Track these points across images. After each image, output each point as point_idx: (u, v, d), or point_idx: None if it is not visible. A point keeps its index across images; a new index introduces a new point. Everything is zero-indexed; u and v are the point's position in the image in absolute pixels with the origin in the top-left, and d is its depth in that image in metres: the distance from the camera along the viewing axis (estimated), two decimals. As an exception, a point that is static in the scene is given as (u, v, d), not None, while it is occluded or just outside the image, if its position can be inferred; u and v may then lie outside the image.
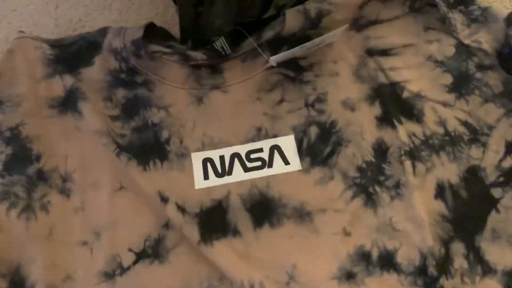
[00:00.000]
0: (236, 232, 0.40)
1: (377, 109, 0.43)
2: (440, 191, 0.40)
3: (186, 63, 0.45)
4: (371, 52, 0.45)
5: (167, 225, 0.41)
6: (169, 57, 0.45)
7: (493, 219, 0.39)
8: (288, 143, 0.43)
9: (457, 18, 0.45)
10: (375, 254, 0.39)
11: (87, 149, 0.43)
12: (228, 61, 0.45)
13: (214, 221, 0.41)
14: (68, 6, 0.53)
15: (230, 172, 0.42)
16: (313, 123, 0.44)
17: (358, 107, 0.44)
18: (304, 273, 0.39)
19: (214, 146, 0.43)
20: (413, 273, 0.38)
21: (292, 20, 0.44)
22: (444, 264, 0.38)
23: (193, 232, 0.39)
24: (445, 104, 0.43)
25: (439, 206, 0.40)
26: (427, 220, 0.39)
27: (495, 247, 0.39)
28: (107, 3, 0.53)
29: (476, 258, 0.38)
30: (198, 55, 0.44)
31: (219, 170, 0.43)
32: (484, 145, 0.41)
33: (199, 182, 0.42)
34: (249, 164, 0.43)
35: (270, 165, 0.42)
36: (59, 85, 0.45)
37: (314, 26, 0.44)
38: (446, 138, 0.42)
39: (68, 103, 0.44)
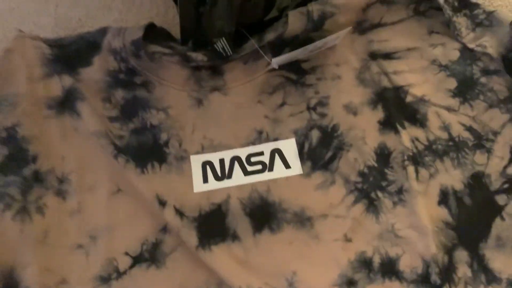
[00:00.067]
0: (235, 237, 0.40)
1: (380, 113, 0.43)
2: (444, 198, 0.40)
3: (187, 64, 0.44)
4: (374, 56, 0.45)
5: (164, 229, 0.40)
6: (169, 58, 0.44)
7: (497, 226, 0.39)
8: (289, 146, 0.43)
9: (461, 22, 0.44)
10: (376, 261, 0.39)
11: (84, 150, 0.43)
12: (229, 63, 0.45)
13: (213, 225, 0.40)
14: (68, 5, 0.53)
15: (230, 176, 0.42)
16: (314, 126, 0.43)
17: (360, 111, 0.43)
18: (304, 280, 0.38)
19: (214, 149, 0.43)
20: (416, 281, 0.38)
21: (295, 22, 0.43)
22: (448, 272, 0.38)
23: (191, 237, 0.39)
24: (449, 109, 0.43)
25: (443, 213, 0.40)
26: (430, 227, 0.39)
27: (499, 255, 0.38)
28: (107, 2, 0.52)
29: (480, 266, 0.38)
30: (199, 56, 0.44)
31: (219, 173, 0.42)
32: (489, 151, 0.41)
33: (198, 186, 0.42)
34: (249, 168, 0.42)
35: (271, 169, 0.42)
36: (58, 85, 0.44)
37: (317, 28, 0.44)
38: (450, 143, 0.42)
39: (66, 104, 0.44)
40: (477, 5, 0.45)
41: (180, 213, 0.40)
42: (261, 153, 0.43)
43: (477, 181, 0.40)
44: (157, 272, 0.39)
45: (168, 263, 0.39)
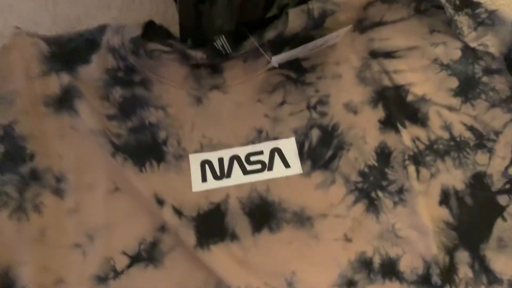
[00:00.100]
0: (234, 237, 0.40)
1: (380, 113, 0.43)
2: (445, 198, 0.40)
3: (186, 62, 0.44)
4: (375, 54, 0.45)
5: (163, 229, 0.40)
6: (168, 56, 0.44)
7: (499, 227, 0.39)
8: (289, 146, 0.42)
9: (463, 21, 0.44)
10: (377, 261, 0.39)
11: (82, 148, 0.42)
12: (228, 61, 0.44)
13: (211, 225, 0.40)
14: (66, 3, 0.52)
15: (229, 175, 0.42)
16: (315, 125, 0.43)
17: (361, 110, 0.43)
18: (303, 280, 0.38)
19: (213, 148, 0.43)
20: (416, 281, 0.38)
21: (295, 20, 0.43)
22: (449, 273, 0.38)
23: (189, 236, 0.39)
24: (450, 108, 0.43)
25: (444, 213, 0.40)
26: (431, 227, 0.39)
27: (501, 256, 0.38)
28: (107, 1, 0.52)
29: (482, 267, 0.38)
30: (198, 54, 0.43)
31: (218, 172, 0.42)
32: (490, 151, 0.41)
33: (197, 185, 0.41)
34: (248, 167, 0.42)
35: (270, 168, 0.42)
36: (55, 83, 0.44)
37: (317, 26, 0.43)
38: (451, 143, 0.42)
39: (64, 102, 0.44)
40: (479, 4, 0.44)
41: (178, 212, 0.40)
42: (261, 152, 0.42)
43: (478, 181, 0.40)
44: (155, 272, 0.39)
45: (166, 262, 0.39)
